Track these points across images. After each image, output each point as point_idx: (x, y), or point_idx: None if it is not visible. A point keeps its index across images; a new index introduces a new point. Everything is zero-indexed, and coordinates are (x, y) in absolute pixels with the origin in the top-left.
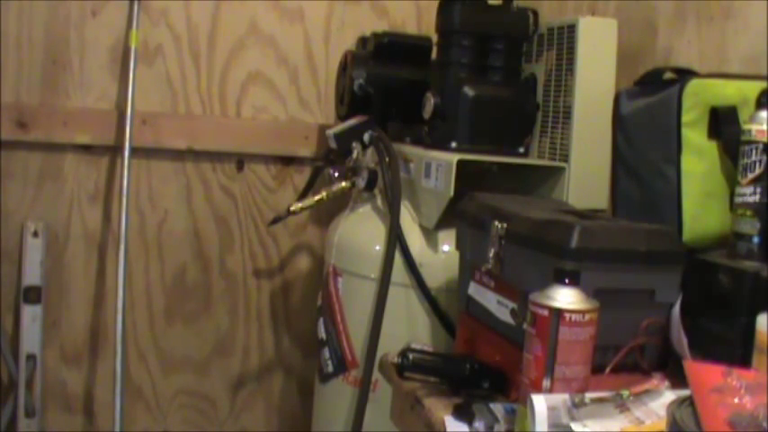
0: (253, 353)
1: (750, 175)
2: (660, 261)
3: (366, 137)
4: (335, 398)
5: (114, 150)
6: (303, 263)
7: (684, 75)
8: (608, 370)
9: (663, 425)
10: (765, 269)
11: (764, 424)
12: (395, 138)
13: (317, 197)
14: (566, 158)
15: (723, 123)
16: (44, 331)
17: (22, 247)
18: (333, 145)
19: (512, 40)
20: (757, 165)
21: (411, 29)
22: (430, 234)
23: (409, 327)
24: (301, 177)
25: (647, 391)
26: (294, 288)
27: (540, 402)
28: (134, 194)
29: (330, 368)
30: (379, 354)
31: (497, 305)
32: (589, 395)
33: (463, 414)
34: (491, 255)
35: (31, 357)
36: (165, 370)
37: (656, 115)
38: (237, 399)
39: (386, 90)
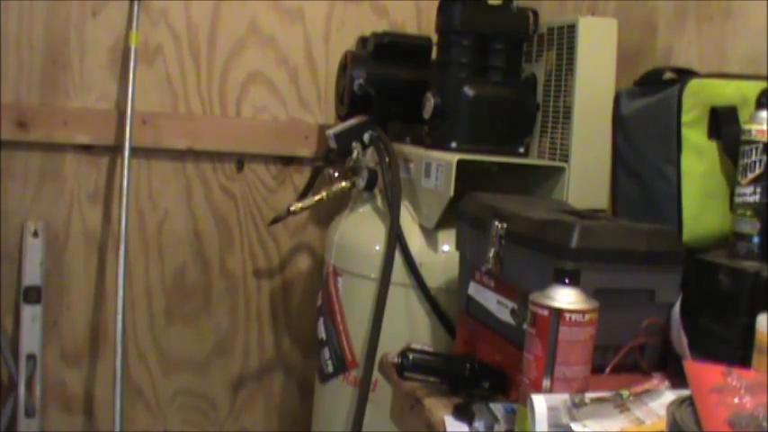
0: (253, 353)
1: (750, 175)
2: (660, 261)
3: (366, 137)
4: (335, 398)
5: (114, 150)
6: (303, 263)
7: (684, 75)
8: (608, 370)
9: (663, 425)
10: (765, 269)
11: (764, 424)
12: (395, 138)
13: (316, 197)
14: (566, 158)
15: (723, 123)
16: (44, 331)
17: (22, 247)
18: (333, 145)
19: (512, 40)
20: (757, 165)
21: (411, 29)
22: (430, 234)
23: (409, 327)
24: (301, 177)
25: (647, 391)
26: (294, 288)
27: (540, 402)
28: (134, 194)
29: (330, 368)
30: (379, 354)
31: (497, 305)
32: (589, 395)
33: (463, 414)
34: (491, 255)
35: (31, 357)
36: (165, 370)
37: (656, 115)
38: (237, 399)
39: (386, 90)
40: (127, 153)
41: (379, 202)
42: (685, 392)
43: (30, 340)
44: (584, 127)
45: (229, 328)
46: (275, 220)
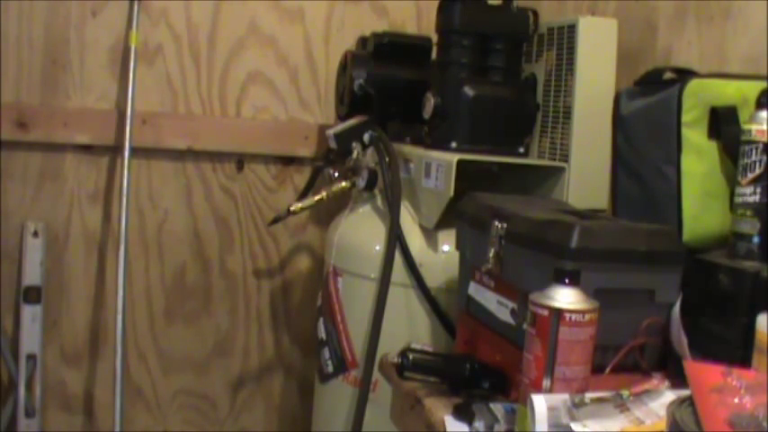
0: (253, 353)
1: (750, 175)
2: (660, 261)
3: (366, 137)
4: (335, 398)
5: (114, 150)
6: (303, 263)
7: (684, 75)
8: (608, 370)
9: (663, 425)
10: (765, 269)
11: (764, 424)
12: (395, 138)
13: (317, 197)
14: (566, 158)
15: (723, 123)
16: (44, 331)
17: (22, 247)
18: (333, 145)
19: (512, 40)
20: (757, 165)
21: (411, 29)
22: (430, 234)
23: (409, 327)
24: (301, 177)
25: (647, 391)
26: (294, 288)
27: (540, 402)
28: (134, 194)
29: (330, 368)
30: (379, 354)
31: (497, 305)
32: (589, 395)
33: (463, 414)
34: (491, 255)
35: (31, 357)
36: (165, 370)
37: (656, 115)
38: (237, 399)
39: (386, 90)
40: (127, 153)
41: (379, 202)
42: (685, 392)
43: (30, 340)
44: (584, 127)
45: (229, 328)
46: (275, 220)
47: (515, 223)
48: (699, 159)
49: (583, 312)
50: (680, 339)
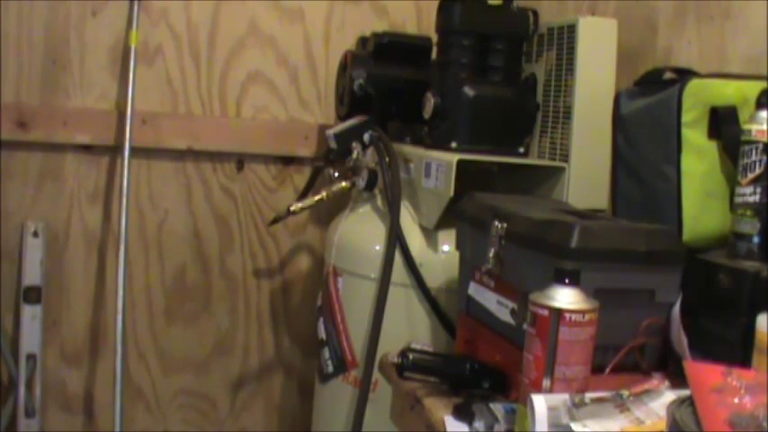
0: (253, 353)
1: (750, 175)
2: (660, 261)
3: (366, 137)
4: (335, 398)
5: (114, 150)
6: (303, 263)
7: (684, 75)
8: (608, 370)
9: (663, 425)
10: (765, 269)
11: (764, 424)
12: (395, 138)
13: (317, 197)
14: (566, 158)
15: (723, 123)
16: (44, 331)
17: (22, 247)
18: (333, 145)
19: (512, 40)
20: (757, 165)
21: (411, 29)
22: (430, 234)
23: (409, 327)
24: (301, 177)
25: (647, 391)
26: (294, 288)
27: (540, 402)
28: (134, 194)
29: (330, 368)
30: (379, 354)
31: (497, 305)
32: (589, 395)
33: (463, 414)
34: (491, 255)
35: (31, 357)
36: (165, 370)
37: (656, 115)
38: (237, 399)
39: (386, 90)
40: (127, 153)
41: (379, 202)
42: (685, 392)
43: (30, 340)
44: (584, 127)
45: (229, 328)
46: (275, 220)
47: (515, 223)
48: (699, 159)
49: (583, 312)
50: (680, 339)
